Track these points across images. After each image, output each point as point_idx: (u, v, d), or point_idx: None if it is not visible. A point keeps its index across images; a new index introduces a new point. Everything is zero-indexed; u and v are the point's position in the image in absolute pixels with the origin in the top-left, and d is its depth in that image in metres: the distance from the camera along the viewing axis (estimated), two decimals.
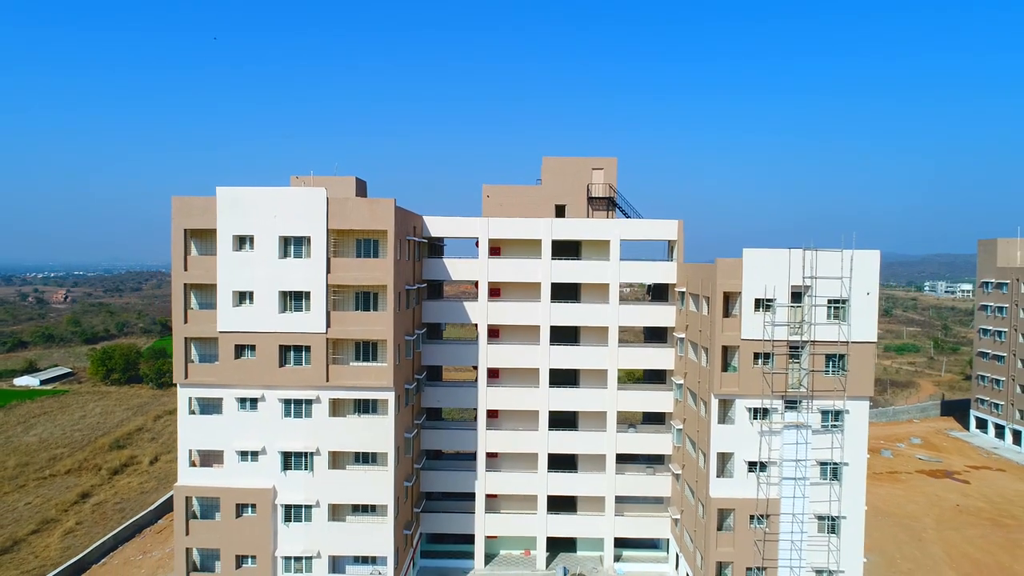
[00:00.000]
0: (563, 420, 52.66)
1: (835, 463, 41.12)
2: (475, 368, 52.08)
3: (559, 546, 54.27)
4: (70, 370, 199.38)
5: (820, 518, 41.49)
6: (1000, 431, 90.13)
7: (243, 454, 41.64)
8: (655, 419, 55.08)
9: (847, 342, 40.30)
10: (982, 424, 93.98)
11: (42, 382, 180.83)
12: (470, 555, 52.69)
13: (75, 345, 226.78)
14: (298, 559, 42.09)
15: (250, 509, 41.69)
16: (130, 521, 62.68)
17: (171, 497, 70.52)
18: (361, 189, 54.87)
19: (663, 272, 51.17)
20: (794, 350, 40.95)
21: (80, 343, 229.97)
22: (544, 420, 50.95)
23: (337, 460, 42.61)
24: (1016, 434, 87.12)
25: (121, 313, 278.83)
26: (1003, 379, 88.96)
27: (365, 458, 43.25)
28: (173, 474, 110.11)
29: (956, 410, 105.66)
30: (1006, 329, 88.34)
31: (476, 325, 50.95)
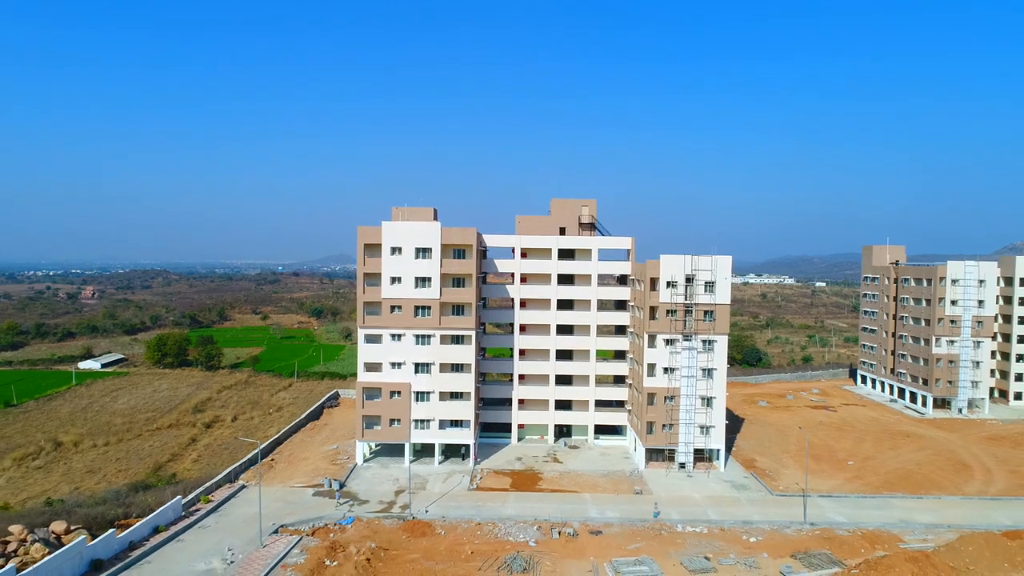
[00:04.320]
0: (564, 355, 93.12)
1: (709, 368, 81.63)
2: (510, 325, 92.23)
3: (561, 433, 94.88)
4: (123, 356, 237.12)
5: (702, 398, 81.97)
6: (874, 383, 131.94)
7: (393, 364, 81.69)
8: (619, 356, 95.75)
9: (714, 304, 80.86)
10: (864, 380, 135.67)
11: (103, 365, 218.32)
12: (508, 437, 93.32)
13: (117, 335, 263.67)
14: (422, 421, 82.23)
15: (397, 394, 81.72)
16: (295, 421, 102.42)
17: (309, 413, 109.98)
18: (435, 215, 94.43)
19: (622, 268, 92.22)
20: (687, 308, 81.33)
21: (121, 333, 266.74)
22: (553, 355, 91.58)
23: (443, 368, 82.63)
24: (882, 384, 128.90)
25: (148, 308, 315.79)
26: (875, 346, 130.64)
27: (458, 368, 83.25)
28: (254, 428, 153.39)
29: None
30: (877, 311, 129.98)
31: (512, 299, 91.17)
